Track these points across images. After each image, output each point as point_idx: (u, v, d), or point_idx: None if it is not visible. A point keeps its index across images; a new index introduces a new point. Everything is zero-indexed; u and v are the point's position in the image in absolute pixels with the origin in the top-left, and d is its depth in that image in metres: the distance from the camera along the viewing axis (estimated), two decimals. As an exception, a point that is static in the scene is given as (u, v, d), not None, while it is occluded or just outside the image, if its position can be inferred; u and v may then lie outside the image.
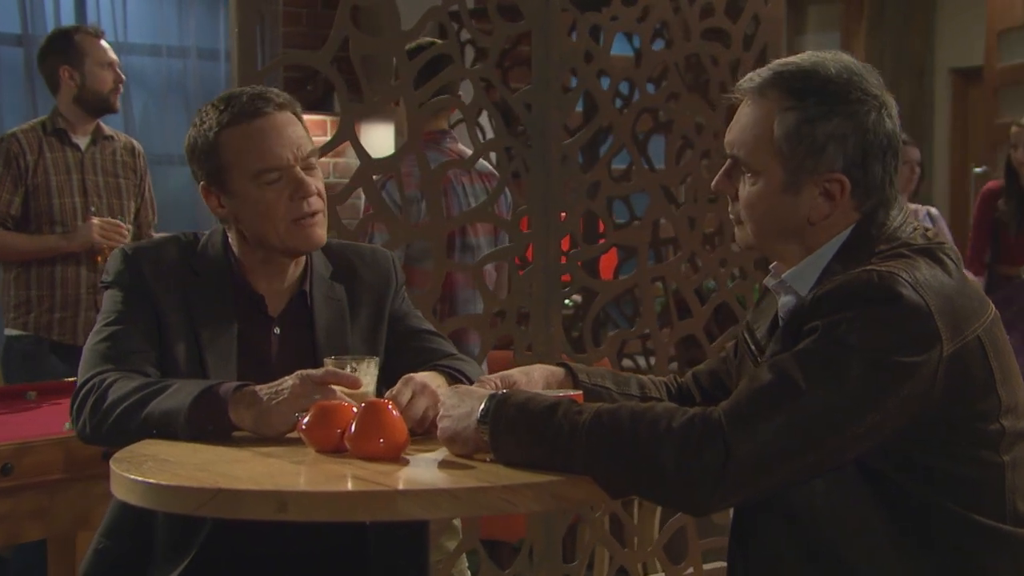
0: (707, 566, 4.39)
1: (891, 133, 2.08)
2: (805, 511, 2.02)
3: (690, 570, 4.27)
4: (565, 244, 3.97)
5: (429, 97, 3.77)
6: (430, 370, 2.47)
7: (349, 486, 2.01)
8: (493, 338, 3.84)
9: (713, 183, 2.22)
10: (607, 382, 2.38)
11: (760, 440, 1.88)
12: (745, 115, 2.14)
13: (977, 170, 7.52)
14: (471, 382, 2.47)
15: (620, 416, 1.96)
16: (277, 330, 2.60)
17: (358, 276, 2.67)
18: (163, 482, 2.02)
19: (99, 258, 4.54)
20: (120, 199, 4.74)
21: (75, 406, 2.45)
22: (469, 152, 4.13)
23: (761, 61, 4.36)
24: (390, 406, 2.17)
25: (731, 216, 2.21)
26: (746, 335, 2.29)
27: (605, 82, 4.08)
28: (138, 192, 4.85)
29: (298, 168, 2.50)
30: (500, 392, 2.09)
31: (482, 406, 2.07)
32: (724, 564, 4.45)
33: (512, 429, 2.03)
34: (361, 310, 2.65)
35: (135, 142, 4.92)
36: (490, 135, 4.68)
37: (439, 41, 4.08)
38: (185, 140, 2.58)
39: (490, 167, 4.23)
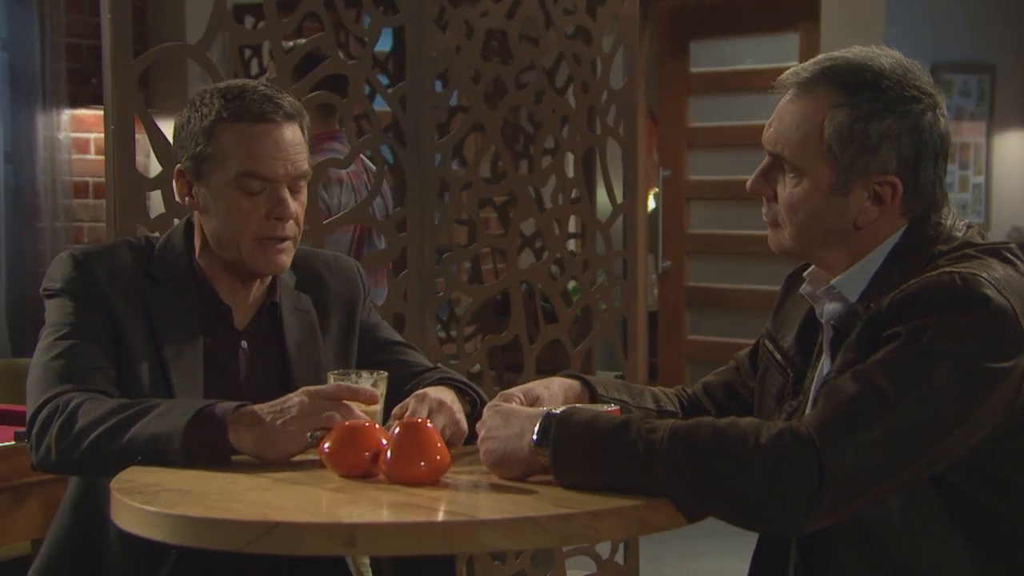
0: (571, 573, 4.33)
1: (945, 135, 2.00)
2: (882, 531, 1.93)
3: (555, 579, 4.19)
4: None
5: (307, 92, 3.58)
6: (438, 384, 2.31)
7: (416, 516, 1.83)
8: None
9: (749, 183, 2.09)
10: (623, 395, 2.26)
11: (855, 456, 1.78)
12: (789, 111, 2.02)
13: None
14: (480, 396, 2.32)
15: (700, 433, 1.84)
16: (244, 344, 2.38)
17: (325, 286, 2.47)
18: (201, 515, 1.81)
19: None
20: None
21: (34, 431, 2.18)
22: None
23: (619, 60, 4.33)
24: (429, 425, 2.00)
25: (765, 219, 2.10)
26: (769, 345, 2.21)
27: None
28: None
29: (284, 187, 2.30)
30: (557, 411, 1.94)
31: (537, 426, 1.92)
32: (586, 573, 4.43)
33: (579, 449, 1.89)
34: (331, 322, 2.46)
35: None
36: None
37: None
38: (177, 117, 2.34)
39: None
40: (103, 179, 6.21)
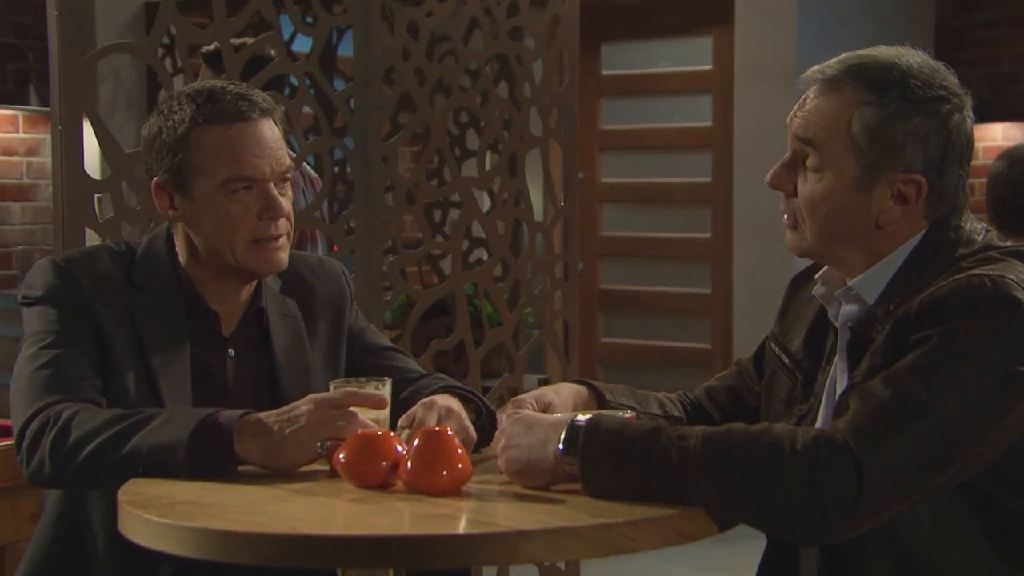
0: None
1: (970, 137, 1.99)
2: (910, 535, 1.91)
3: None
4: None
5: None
6: (441, 391, 2.25)
7: (447, 527, 1.78)
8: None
9: (769, 176, 2.04)
10: (630, 400, 2.23)
11: (891, 461, 1.77)
12: (816, 106, 1.99)
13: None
14: (484, 403, 2.27)
15: (734, 440, 1.81)
16: (231, 352, 2.30)
17: (310, 289, 2.40)
18: (228, 528, 1.74)
19: None
20: None
21: (25, 444, 2.09)
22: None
23: (559, 61, 4.30)
24: (450, 433, 1.95)
25: (784, 217, 2.06)
26: (776, 348, 2.19)
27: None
28: None
29: (272, 184, 2.23)
30: (582, 419, 1.90)
31: (563, 434, 1.88)
32: (529, 576, 4.40)
33: (608, 458, 1.84)
34: (318, 327, 2.39)
35: None
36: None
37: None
38: (144, 128, 2.25)
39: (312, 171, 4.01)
40: (9, 180, 6.12)
